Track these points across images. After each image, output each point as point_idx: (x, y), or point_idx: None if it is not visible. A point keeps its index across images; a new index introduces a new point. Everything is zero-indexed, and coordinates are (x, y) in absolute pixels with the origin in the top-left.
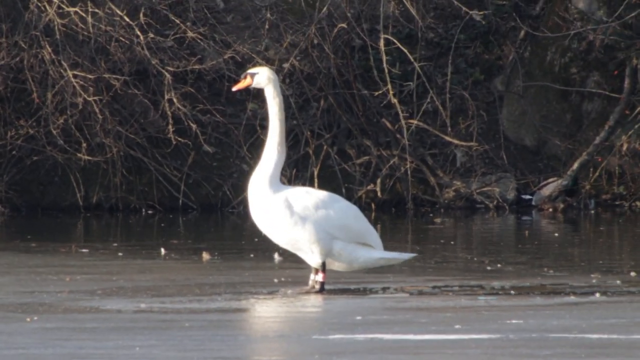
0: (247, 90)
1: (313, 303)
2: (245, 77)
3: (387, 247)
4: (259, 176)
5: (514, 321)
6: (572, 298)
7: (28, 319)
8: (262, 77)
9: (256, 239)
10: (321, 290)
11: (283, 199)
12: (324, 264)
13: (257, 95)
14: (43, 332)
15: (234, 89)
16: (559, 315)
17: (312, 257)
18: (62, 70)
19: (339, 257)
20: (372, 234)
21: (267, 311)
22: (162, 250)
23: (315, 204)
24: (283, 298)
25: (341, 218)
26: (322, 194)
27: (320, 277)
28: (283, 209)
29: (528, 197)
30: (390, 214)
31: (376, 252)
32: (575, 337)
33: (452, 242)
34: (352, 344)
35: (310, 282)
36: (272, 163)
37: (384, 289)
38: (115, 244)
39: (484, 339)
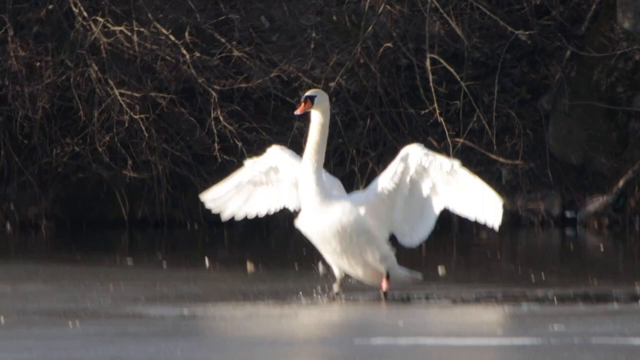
0: (293, 107)
1: (355, 309)
2: (305, 102)
3: (431, 259)
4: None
5: (556, 327)
6: (616, 306)
7: (70, 324)
8: (322, 100)
9: (304, 251)
10: (384, 297)
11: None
12: (388, 274)
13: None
14: (85, 336)
15: (298, 112)
16: (602, 322)
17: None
18: (108, 89)
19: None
20: None
21: (309, 317)
22: (207, 261)
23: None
24: (326, 304)
25: None
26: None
27: (384, 285)
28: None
29: (573, 215)
30: (435, 230)
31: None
32: (618, 343)
33: (497, 256)
34: (394, 349)
35: (335, 288)
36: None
37: (427, 297)
38: (159, 256)
39: (525, 344)
